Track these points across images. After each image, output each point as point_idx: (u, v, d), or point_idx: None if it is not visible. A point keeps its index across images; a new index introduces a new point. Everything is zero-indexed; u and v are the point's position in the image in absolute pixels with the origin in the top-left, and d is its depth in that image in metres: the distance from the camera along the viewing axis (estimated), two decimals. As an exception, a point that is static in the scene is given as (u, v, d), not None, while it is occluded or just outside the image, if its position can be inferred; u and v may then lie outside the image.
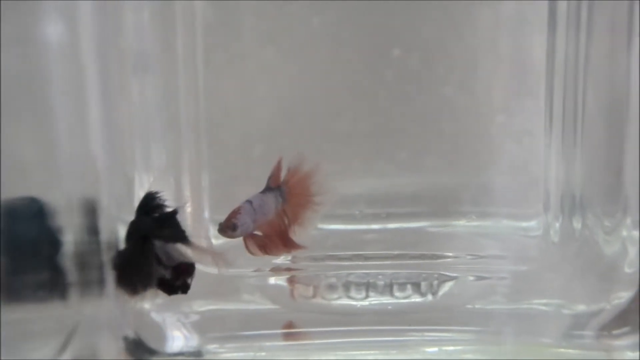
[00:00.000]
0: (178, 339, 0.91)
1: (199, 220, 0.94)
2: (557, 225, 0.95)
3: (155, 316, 0.91)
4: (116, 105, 0.87)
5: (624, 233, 0.91)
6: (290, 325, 0.94)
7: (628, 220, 0.91)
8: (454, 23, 0.90)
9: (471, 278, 0.94)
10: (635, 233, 0.91)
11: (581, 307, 0.93)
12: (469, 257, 0.95)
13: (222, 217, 0.79)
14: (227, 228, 0.79)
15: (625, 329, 0.91)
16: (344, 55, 0.91)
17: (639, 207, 0.90)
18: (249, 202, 0.80)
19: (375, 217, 0.94)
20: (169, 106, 0.90)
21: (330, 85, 0.92)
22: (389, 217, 0.95)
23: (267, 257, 0.82)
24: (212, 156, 0.92)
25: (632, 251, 0.91)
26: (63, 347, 0.79)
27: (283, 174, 0.82)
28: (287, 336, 0.94)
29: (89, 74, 0.84)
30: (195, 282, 0.87)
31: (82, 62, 0.83)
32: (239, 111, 0.92)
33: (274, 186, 0.82)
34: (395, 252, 0.95)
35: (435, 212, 0.95)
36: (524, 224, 0.96)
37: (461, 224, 0.95)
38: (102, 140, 0.86)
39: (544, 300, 0.93)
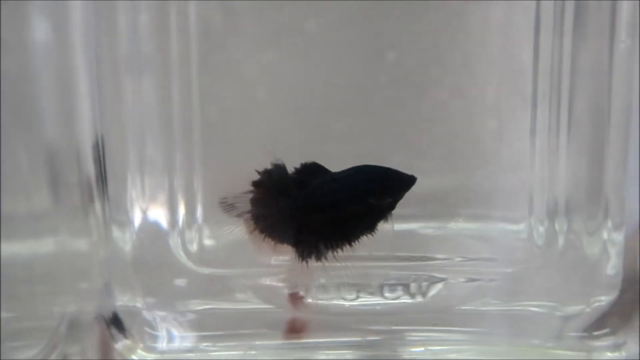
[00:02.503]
0: (173, 337, 0.92)
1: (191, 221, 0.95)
2: (542, 228, 0.95)
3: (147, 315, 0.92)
4: (109, 107, 0.88)
5: (605, 235, 0.92)
6: (295, 325, 0.95)
7: (609, 223, 0.92)
8: (447, 28, 0.89)
9: (461, 280, 0.95)
10: (616, 235, 0.92)
11: (564, 309, 0.94)
12: (458, 259, 0.96)
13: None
14: None
15: (606, 330, 0.93)
16: (339, 60, 0.91)
17: (621, 210, 0.91)
18: None
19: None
20: (162, 108, 0.90)
21: (326, 89, 0.92)
22: None
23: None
24: (206, 158, 0.92)
25: (613, 253, 0.92)
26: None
27: None
28: (290, 334, 0.95)
29: (80, 75, 0.85)
30: (189, 283, 0.91)
31: (72, 64, 0.84)
32: (235, 114, 0.93)
33: None
34: (387, 254, 0.95)
35: (426, 214, 0.96)
36: (514, 227, 0.97)
37: (451, 226, 0.95)
38: (92, 142, 0.87)
39: (529, 303, 0.95)
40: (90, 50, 0.85)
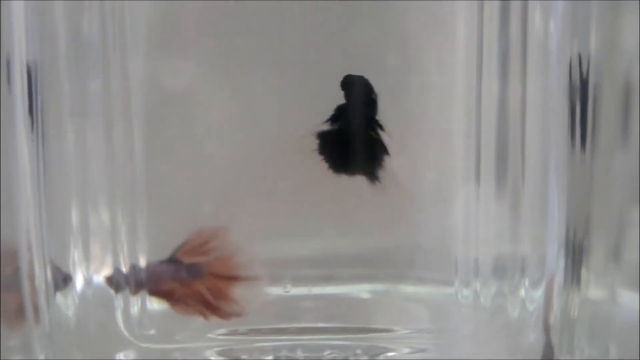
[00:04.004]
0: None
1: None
2: (468, 291, 0.95)
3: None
4: (52, 167, 0.84)
5: (523, 294, 0.93)
6: None
7: (527, 281, 0.93)
8: (389, 90, 0.93)
9: (405, 350, 0.94)
10: (535, 293, 0.93)
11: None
12: (396, 327, 0.95)
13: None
14: None
15: None
16: (287, 119, 0.92)
17: (540, 267, 0.93)
18: None
19: (310, 283, 0.93)
20: (105, 168, 0.87)
21: (275, 148, 0.91)
22: (323, 282, 0.94)
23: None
24: (150, 219, 0.89)
25: (532, 312, 0.93)
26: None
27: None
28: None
29: (22, 134, 0.82)
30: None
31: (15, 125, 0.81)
32: (180, 173, 0.91)
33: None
34: (327, 325, 0.93)
35: (365, 276, 0.95)
36: (449, 290, 0.95)
37: (390, 289, 0.95)
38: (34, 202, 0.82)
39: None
40: (34, 110, 0.84)
